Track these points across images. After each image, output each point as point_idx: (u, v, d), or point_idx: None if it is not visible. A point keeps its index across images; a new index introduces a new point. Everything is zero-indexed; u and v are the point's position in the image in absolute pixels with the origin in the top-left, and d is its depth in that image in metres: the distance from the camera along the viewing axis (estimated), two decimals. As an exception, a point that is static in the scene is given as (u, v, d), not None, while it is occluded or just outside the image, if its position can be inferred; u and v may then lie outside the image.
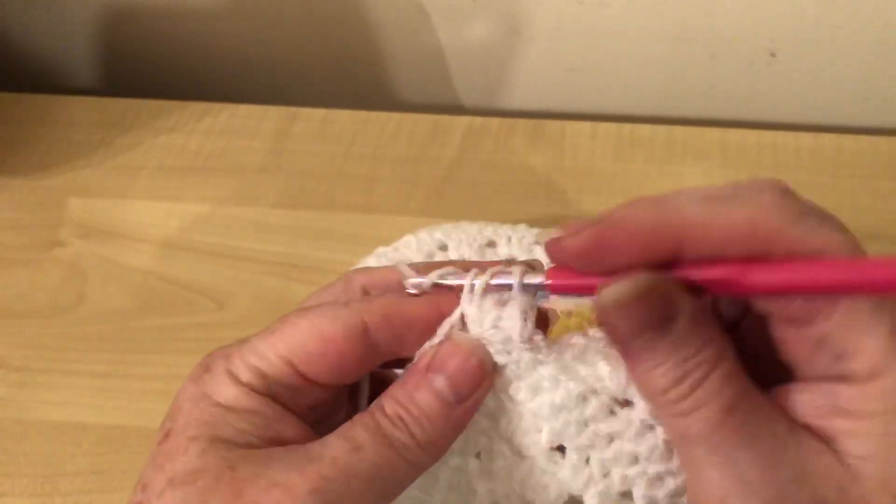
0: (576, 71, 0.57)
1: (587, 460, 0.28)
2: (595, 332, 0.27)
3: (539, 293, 0.27)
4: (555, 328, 0.29)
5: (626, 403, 0.27)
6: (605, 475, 0.28)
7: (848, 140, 0.51)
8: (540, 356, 0.27)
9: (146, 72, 0.63)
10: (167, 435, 0.25)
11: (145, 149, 0.53)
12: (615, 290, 0.23)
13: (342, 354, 0.26)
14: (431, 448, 0.26)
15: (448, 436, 0.26)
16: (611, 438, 0.27)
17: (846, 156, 0.50)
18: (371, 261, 0.42)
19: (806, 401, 0.23)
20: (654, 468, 0.27)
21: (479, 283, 0.27)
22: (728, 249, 0.23)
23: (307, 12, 0.57)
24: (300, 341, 0.26)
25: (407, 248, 0.43)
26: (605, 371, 0.26)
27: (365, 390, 0.28)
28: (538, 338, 0.26)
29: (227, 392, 0.25)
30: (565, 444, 0.28)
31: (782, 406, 0.24)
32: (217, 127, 0.54)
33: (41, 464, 0.40)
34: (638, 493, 0.28)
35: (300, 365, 0.26)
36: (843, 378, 0.23)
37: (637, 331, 0.23)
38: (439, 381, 0.26)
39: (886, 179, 0.49)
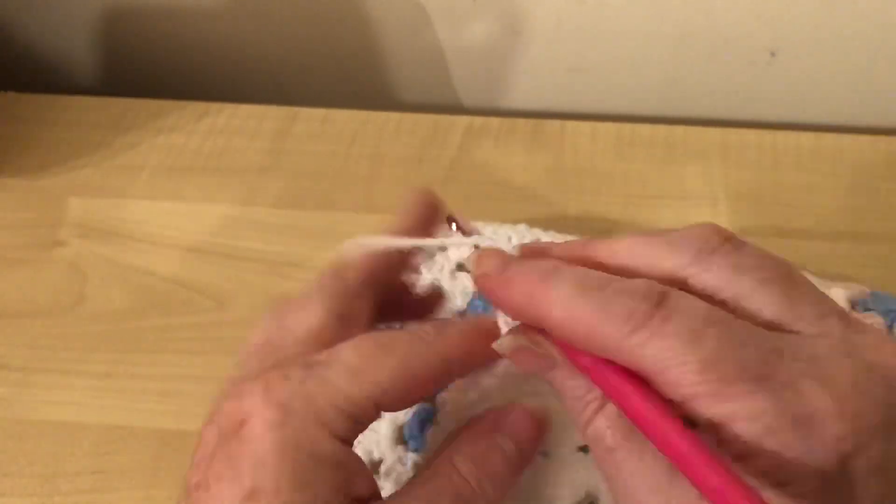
0: (576, 71, 0.57)
1: None
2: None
3: None
4: None
5: None
6: None
7: (848, 140, 0.51)
8: None
9: (146, 72, 0.63)
10: (253, 495, 0.23)
11: (145, 149, 0.53)
12: (500, 345, 0.26)
13: (424, 391, 0.26)
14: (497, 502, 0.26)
15: (507, 492, 0.27)
16: None
17: (846, 156, 0.50)
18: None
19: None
20: None
21: None
22: (578, 342, 0.24)
23: (307, 12, 0.57)
24: (391, 383, 0.25)
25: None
26: None
27: None
28: None
29: (321, 443, 0.24)
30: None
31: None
32: (217, 127, 0.54)
33: (41, 464, 0.40)
34: None
35: (386, 404, 0.25)
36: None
37: (534, 370, 0.26)
38: (509, 445, 0.27)
39: (886, 179, 0.49)
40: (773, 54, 0.54)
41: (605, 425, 0.24)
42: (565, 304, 0.23)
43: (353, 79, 0.61)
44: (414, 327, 0.27)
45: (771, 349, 0.22)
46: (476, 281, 0.27)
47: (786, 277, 0.24)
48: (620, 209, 0.48)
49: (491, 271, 0.26)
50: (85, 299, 0.46)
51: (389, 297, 0.30)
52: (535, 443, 0.27)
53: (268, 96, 0.61)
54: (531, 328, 0.26)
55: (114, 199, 0.51)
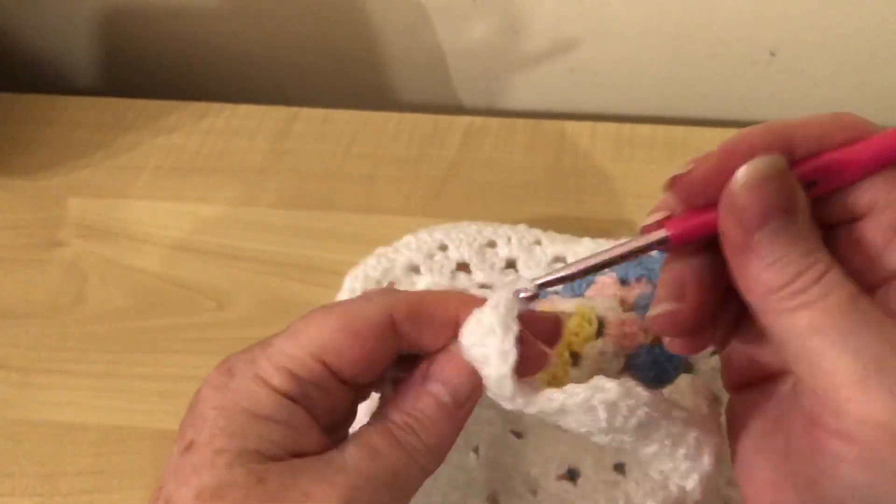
0: (576, 71, 0.57)
1: (601, 448, 0.29)
2: (572, 389, 0.27)
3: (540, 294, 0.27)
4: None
5: None
6: (601, 448, 0.29)
7: (848, 140, 0.51)
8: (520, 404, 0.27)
9: (146, 72, 0.63)
10: (190, 446, 0.25)
11: (145, 149, 0.53)
12: (746, 170, 0.24)
13: (372, 348, 0.26)
14: (437, 450, 0.27)
15: (450, 438, 0.27)
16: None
17: (846, 156, 0.50)
18: (371, 261, 0.42)
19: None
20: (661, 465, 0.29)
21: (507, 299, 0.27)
22: (827, 141, 0.25)
23: (307, 12, 0.57)
24: (330, 337, 0.26)
25: (407, 248, 0.43)
26: (583, 419, 0.27)
27: (387, 382, 0.29)
28: (519, 396, 0.27)
29: (256, 398, 0.25)
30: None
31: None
32: (217, 127, 0.54)
33: (41, 464, 0.40)
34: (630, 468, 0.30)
35: (331, 361, 0.26)
36: None
37: (765, 215, 0.24)
38: (438, 389, 0.27)
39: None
40: (772, 54, 0.54)
41: (828, 289, 0.23)
42: (807, 118, 0.25)
43: (353, 79, 0.61)
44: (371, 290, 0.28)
45: None
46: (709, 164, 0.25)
47: None
48: (620, 209, 0.48)
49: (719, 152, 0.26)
50: (85, 299, 0.46)
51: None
52: (469, 386, 0.27)
53: (268, 96, 0.61)
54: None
55: (114, 199, 0.51)
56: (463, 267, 0.43)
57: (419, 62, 0.59)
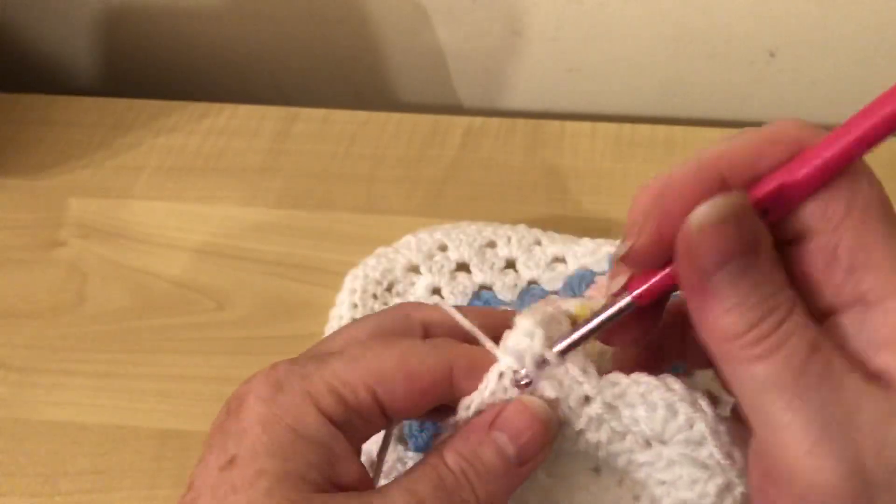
0: (576, 71, 0.57)
1: (620, 482, 0.28)
2: (636, 376, 0.27)
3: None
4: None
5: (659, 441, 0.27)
6: (636, 498, 0.29)
7: (848, 140, 0.51)
8: (587, 388, 0.27)
9: (146, 72, 0.63)
10: (232, 462, 0.24)
11: (145, 149, 0.53)
12: (701, 212, 0.22)
13: (426, 393, 0.26)
14: None
15: (504, 497, 0.26)
16: (642, 465, 0.28)
17: (846, 156, 0.50)
18: (371, 261, 0.42)
19: (850, 335, 0.23)
20: (680, 494, 0.27)
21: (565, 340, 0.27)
22: (763, 163, 0.23)
23: (307, 12, 0.57)
24: (388, 372, 0.25)
25: (407, 249, 0.43)
26: (642, 415, 0.27)
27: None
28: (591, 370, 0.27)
29: (302, 417, 0.24)
30: (601, 467, 0.28)
31: (865, 358, 0.23)
32: (217, 127, 0.54)
33: (41, 464, 0.40)
34: None
35: (383, 395, 0.25)
36: (862, 302, 0.23)
37: (723, 259, 0.22)
38: (504, 441, 0.25)
39: (886, 180, 0.49)
40: (772, 54, 0.54)
41: (784, 339, 0.22)
42: (734, 141, 0.24)
43: (353, 79, 0.61)
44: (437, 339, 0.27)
45: None
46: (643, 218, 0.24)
47: None
48: (620, 209, 0.48)
49: (646, 197, 0.24)
50: (85, 299, 0.46)
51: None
52: (536, 439, 0.26)
53: (268, 96, 0.61)
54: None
55: (114, 199, 0.51)
56: (463, 267, 0.43)
57: (419, 62, 0.59)
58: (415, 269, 0.42)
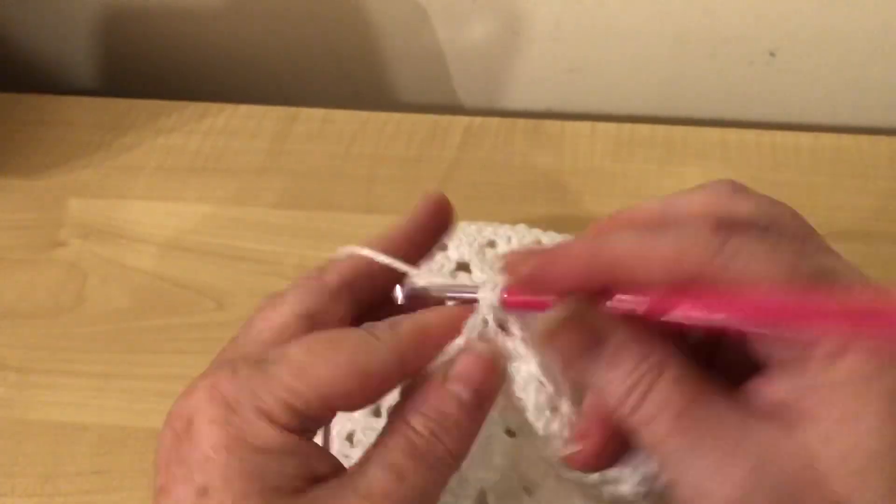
0: (576, 71, 0.57)
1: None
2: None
3: None
4: None
5: None
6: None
7: (847, 140, 0.51)
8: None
9: (146, 72, 0.63)
10: (204, 492, 0.23)
11: (145, 149, 0.53)
12: (545, 319, 0.25)
13: (382, 389, 0.26)
14: (459, 457, 0.26)
15: (471, 441, 0.27)
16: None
17: (845, 155, 0.50)
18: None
19: (772, 388, 0.24)
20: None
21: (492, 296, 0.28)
22: (655, 279, 0.24)
23: (307, 12, 0.57)
24: (338, 379, 0.25)
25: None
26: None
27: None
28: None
29: (263, 435, 0.24)
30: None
31: (753, 395, 0.24)
32: (217, 127, 0.54)
33: (41, 464, 0.40)
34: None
35: (337, 401, 0.25)
36: (806, 360, 0.24)
37: (572, 354, 0.25)
38: (460, 389, 0.26)
39: (886, 179, 0.49)
40: (772, 54, 0.54)
41: (655, 409, 0.24)
42: (633, 245, 0.25)
43: (353, 79, 0.61)
44: (368, 325, 0.27)
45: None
46: (525, 273, 0.27)
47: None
48: (620, 209, 0.48)
49: (538, 259, 0.26)
50: (85, 299, 0.46)
51: (375, 302, 0.30)
52: (490, 384, 0.27)
53: (268, 96, 0.61)
54: (582, 296, 0.26)
55: (114, 199, 0.51)
56: (463, 267, 0.42)
57: (419, 62, 0.59)
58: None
